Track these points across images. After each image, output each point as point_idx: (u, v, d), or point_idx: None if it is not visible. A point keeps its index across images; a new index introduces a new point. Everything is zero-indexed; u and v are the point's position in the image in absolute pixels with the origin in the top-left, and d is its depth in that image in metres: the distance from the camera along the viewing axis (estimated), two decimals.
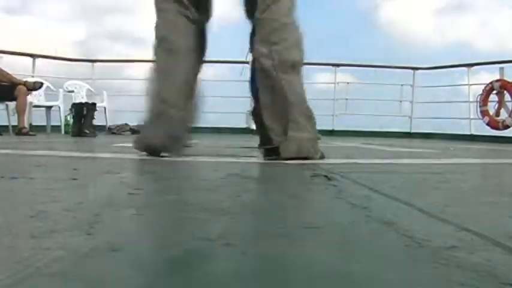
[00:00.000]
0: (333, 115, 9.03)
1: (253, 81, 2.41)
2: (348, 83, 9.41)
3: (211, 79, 10.39)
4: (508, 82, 7.80)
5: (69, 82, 8.04)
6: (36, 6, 27.51)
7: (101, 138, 4.88)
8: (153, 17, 2.37)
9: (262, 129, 2.36)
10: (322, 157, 2.39)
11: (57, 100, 7.67)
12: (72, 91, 7.85)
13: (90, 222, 0.79)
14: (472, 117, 8.18)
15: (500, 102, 7.89)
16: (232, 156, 2.64)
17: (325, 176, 1.57)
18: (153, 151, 2.22)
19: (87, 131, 6.21)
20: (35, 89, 6.79)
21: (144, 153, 2.28)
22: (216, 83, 10.05)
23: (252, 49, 2.39)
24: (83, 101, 7.22)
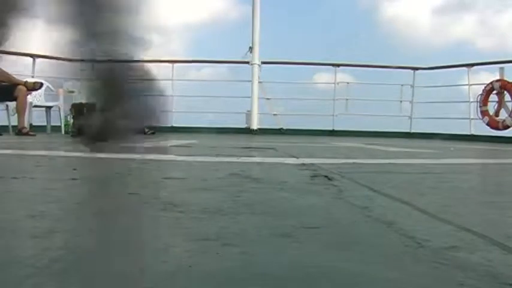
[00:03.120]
0: (333, 115, 9.02)
1: None
2: (348, 83, 9.40)
3: (211, 79, 10.41)
4: (508, 82, 7.80)
5: (69, 82, 8.03)
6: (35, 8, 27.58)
7: None
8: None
9: None
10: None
11: (57, 100, 7.67)
12: (73, 91, 7.85)
13: (90, 222, 0.79)
14: (472, 117, 8.18)
15: (500, 102, 7.89)
16: (232, 156, 2.64)
17: (325, 176, 1.57)
18: None
19: None
20: (35, 89, 6.79)
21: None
22: (215, 83, 10.06)
23: None
24: (83, 101, 7.20)
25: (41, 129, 7.28)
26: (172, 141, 4.68)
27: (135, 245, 0.67)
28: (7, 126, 6.83)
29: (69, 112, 6.78)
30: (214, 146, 3.95)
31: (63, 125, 7.46)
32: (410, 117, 9.13)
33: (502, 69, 7.95)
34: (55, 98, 7.77)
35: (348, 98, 9.17)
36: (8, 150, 2.85)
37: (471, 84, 8.59)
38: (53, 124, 7.68)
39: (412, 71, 9.33)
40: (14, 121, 6.70)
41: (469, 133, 8.11)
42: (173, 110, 9.36)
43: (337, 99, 9.09)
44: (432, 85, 9.42)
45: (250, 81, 8.44)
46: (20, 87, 6.37)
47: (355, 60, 9.79)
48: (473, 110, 8.10)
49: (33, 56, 8.41)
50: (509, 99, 7.71)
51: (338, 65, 9.34)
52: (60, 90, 7.51)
